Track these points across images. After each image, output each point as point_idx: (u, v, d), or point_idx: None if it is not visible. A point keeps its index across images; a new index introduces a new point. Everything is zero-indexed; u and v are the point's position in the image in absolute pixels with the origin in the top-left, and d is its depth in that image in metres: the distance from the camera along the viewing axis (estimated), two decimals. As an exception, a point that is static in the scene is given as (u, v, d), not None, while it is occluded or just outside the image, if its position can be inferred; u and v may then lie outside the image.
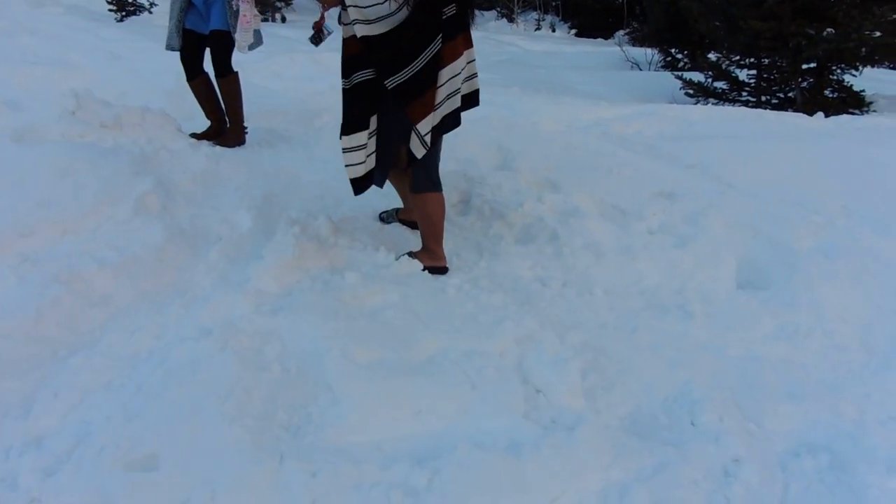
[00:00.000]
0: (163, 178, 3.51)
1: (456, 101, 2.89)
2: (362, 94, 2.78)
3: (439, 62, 2.73)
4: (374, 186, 2.99)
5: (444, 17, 2.70)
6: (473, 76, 2.95)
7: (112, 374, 2.19)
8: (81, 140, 3.78)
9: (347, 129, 2.83)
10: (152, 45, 8.17)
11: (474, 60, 2.94)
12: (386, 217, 3.50)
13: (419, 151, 2.80)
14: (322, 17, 3.22)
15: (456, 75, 2.83)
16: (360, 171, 2.89)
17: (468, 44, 2.87)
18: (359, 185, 2.92)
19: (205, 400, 2.01)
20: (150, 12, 11.97)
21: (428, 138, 2.78)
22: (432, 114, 2.76)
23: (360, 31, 2.66)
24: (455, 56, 2.79)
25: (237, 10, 4.20)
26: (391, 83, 2.70)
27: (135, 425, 1.94)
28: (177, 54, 4.48)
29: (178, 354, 2.23)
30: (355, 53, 2.75)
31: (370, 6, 2.61)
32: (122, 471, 1.79)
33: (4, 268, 2.60)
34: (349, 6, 2.64)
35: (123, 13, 11.32)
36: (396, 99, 2.74)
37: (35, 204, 3.00)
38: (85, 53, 7.47)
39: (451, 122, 2.91)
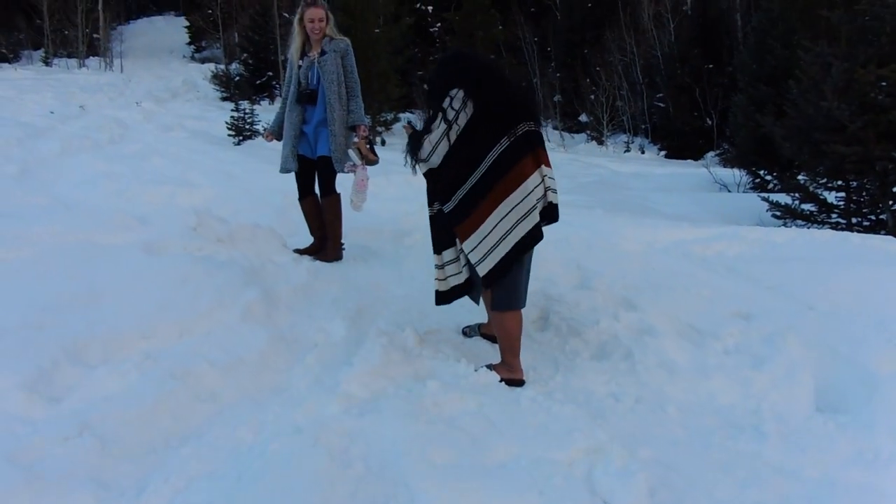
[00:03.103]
0: (268, 289, 3.88)
1: (534, 218, 3.03)
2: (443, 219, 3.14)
3: (493, 184, 2.98)
4: (458, 301, 3.24)
5: (500, 147, 2.98)
6: (551, 190, 3.14)
7: (216, 463, 2.44)
8: (199, 253, 4.24)
9: (436, 248, 3.21)
10: (264, 166, 8.93)
11: (552, 178, 3.15)
12: (469, 331, 3.71)
13: (482, 270, 3.03)
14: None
15: (528, 194, 3.01)
16: (450, 283, 3.20)
17: (539, 162, 3.07)
18: (444, 298, 3.23)
19: (295, 491, 2.23)
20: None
21: (484, 257, 3.00)
22: (476, 233, 3.00)
23: (421, 167, 3.12)
24: (523, 177, 3.01)
25: (354, 174, 4.56)
26: (447, 207, 3.06)
27: (233, 511, 2.16)
28: (284, 176, 5.04)
29: (274, 449, 2.46)
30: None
31: (430, 153, 3.04)
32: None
33: (128, 364, 2.93)
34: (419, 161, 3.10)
35: (241, 137, 12.45)
36: (450, 221, 3.07)
37: (157, 308, 3.39)
38: (205, 173, 8.29)
39: (531, 238, 3.05)
